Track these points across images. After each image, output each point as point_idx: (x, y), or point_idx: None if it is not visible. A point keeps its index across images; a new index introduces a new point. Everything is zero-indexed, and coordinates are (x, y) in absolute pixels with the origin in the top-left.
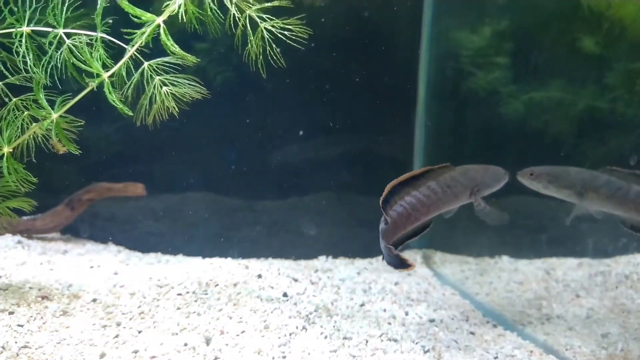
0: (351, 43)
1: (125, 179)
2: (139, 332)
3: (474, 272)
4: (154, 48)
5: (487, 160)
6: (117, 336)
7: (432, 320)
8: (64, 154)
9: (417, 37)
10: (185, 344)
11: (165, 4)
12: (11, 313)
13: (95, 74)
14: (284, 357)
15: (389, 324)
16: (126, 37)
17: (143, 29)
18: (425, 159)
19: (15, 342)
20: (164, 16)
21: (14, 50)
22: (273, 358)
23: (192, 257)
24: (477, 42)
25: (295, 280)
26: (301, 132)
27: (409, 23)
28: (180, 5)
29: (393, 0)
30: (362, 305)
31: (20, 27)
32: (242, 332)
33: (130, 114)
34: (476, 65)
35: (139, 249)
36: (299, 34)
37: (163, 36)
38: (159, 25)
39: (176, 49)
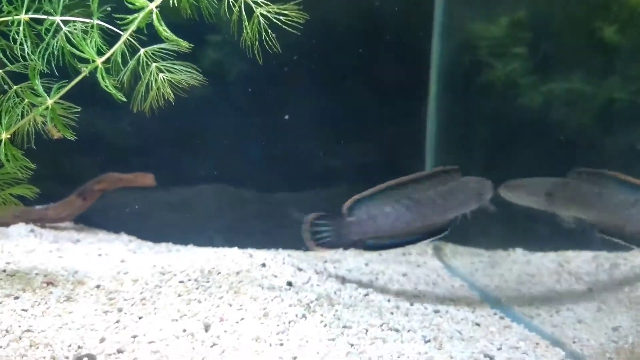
0: (364, 36)
1: (140, 170)
2: (140, 317)
3: (485, 264)
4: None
5: (499, 153)
6: (117, 321)
7: (437, 311)
8: (58, 139)
9: (429, 28)
10: (184, 330)
11: None
12: (16, 298)
13: (91, 60)
14: (282, 344)
15: (392, 313)
16: (118, 22)
17: (135, 15)
18: (437, 152)
19: (19, 326)
20: (157, 1)
21: (10, 37)
22: (270, 345)
23: (203, 247)
24: (491, 33)
25: (300, 269)
26: (312, 126)
27: (420, 13)
28: None
29: None
30: (366, 295)
31: (18, 15)
32: (242, 319)
33: (124, 99)
34: (490, 56)
35: (151, 239)
36: (307, 25)
37: (156, 22)
38: (152, 11)
39: (168, 34)
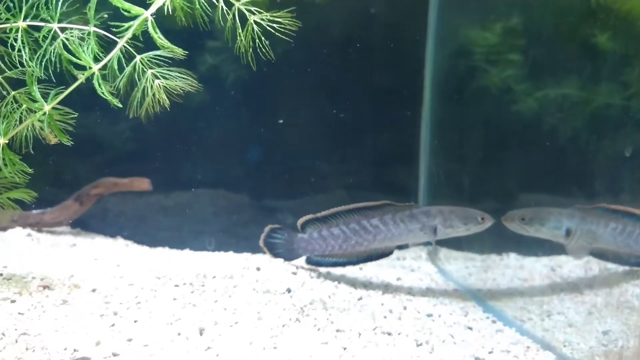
0: (358, 41)
1: (137, 175)
2: (135, 321)
3: (479, 268)
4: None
5: (487, 157)
6: (113, 325)
7: (429, 315)
8: (55, 144)
9: (423, 34)
10: (179, 334)
11: None
12: (13, 301)
13: (88, 67)
14: (275, 347)
15: (385, 317)
16: (114, 30)
17: (130, 23)
18: (430, 159)
19: (15, 329)
20: (152, 10)
21: (9, 44)
22: (264, 348)
23: (199, 251)
24: (485, 39)
25: (294, 273)
26: (308, 132)
27: (414, 20)
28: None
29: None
30: (359, 299)
31: (16, 22)
32: (236, 323)
33: (120, 105)
34: (484, 63)
35: (148, 243)
36: (302, 32)
37: (151, 29)
38: (147, 19)
39: (164, 42)
